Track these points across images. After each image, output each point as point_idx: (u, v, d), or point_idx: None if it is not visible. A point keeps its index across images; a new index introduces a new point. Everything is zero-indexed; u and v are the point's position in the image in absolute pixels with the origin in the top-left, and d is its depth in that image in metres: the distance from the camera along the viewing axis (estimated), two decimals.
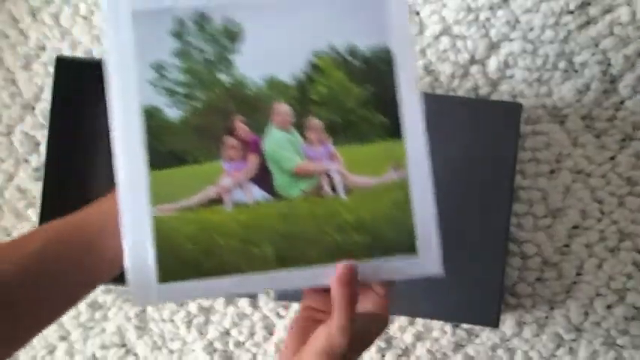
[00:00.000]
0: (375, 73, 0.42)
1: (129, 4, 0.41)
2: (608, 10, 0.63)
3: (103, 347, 0.67)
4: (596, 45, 0.63)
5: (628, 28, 0.63)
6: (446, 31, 0.65)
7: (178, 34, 0.42)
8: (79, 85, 0.65)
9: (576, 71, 0.64)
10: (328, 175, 0.42)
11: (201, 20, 0.42)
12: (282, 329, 0.65)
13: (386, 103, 0.42)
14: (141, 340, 0.66)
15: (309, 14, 0.42)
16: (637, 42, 0.63)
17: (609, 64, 0.63)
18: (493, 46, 0.64)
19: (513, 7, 0.64)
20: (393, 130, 0.42)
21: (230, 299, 0.65)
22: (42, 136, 0.67)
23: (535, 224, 0.64)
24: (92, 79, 0.65)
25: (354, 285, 0.38)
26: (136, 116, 0.41)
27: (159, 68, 0.41)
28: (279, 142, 0.42)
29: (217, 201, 0.41)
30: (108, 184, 0.64)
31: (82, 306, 0.67)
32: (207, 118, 0.42)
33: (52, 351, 0.67)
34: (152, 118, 0.41)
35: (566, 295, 0.63)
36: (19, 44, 0.68)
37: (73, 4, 0.67)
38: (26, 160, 0.68)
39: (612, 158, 0.63)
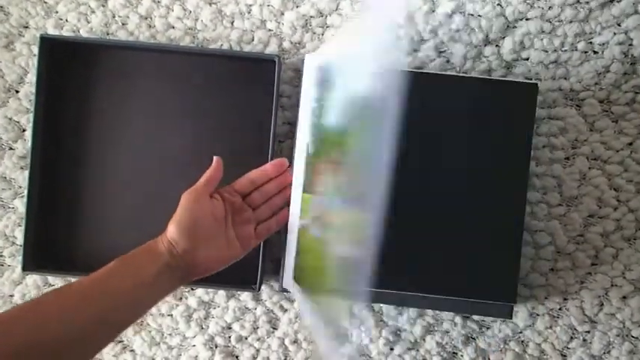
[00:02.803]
0: None
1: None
2: None
3: None
4: (619, 24, 0.60)
5: None
6: (459, 9, 0.61)
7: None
8: (65, 67, 0.61)
9: (596, 52, 0.60)
10: None
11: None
12: (286, 323, 0.62)
13: None
14: (138, 335, 0.63)
15: None
16: None
17: (631, 45, 0.60)
18: (509, 26, 0.61)
19: None
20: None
21: (231, 295, 0.63)
22: (27, 121, 0.63)
23: (549, 213, 0.61)
24: (79, 60, 0.61)
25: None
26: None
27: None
28: None
29: None
30: (96, 172, 0.60)
31: None
32: None
33: None
34: None
35: (581, 286, 0.61)
36: (0, 22, 0.63)
37: None
38: (11, 148, 0.63)
39: (630, 144, 0.61)
